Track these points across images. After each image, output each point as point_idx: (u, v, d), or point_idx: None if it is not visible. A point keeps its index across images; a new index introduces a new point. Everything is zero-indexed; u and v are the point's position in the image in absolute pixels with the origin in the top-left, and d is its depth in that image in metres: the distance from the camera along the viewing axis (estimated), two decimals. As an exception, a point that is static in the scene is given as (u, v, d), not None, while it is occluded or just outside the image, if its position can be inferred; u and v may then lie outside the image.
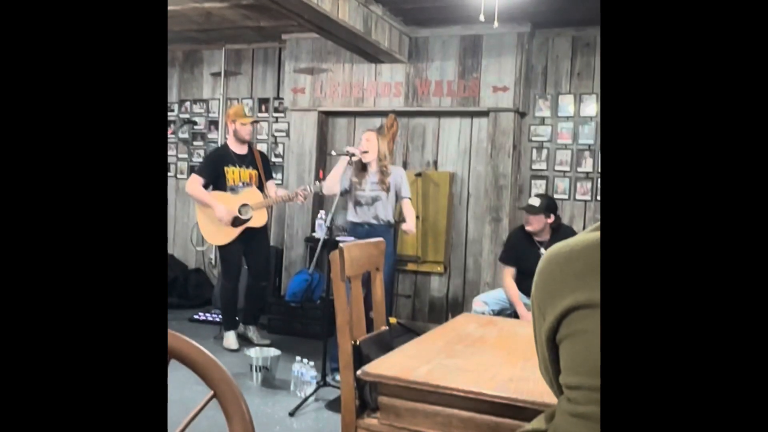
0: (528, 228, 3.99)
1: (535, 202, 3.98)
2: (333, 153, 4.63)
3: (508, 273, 4.07)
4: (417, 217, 5.16)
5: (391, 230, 4.02)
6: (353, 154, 3.88)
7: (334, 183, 3.99)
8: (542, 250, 3.94)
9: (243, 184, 4.53)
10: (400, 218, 4.98)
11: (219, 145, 6.00)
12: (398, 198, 4.06)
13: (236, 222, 4.43)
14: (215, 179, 4.50)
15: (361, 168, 3.96)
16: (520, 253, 4.06)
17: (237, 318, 4.69)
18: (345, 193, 4.00)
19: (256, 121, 4.68)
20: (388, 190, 3.96)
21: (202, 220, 4.51)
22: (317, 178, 4.28)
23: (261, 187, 4.60)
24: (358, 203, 3.98)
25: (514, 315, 4.02)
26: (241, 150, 4.58)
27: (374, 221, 3.95)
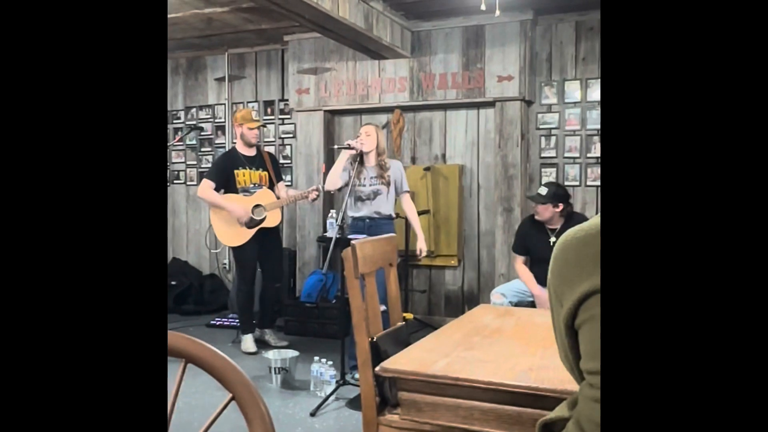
0: (537, 217, 3.99)
1: (542, 191, 3.95)
2: (335, 146, 4.66)
3: (519, 260, 4.15)
4: (428, 211, 5.16)
5: (391, 223, 4.01)
6: (356, 150, 3.88)
7: (335, 177, 4.00)
8: (553, 238, 3.93)
9: (254, 185, 4.55)
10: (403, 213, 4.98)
11: (227, 149, 6.03)
12: (398, 192, 4.04)
13: (250, 223, 4.45)
14: (226, 183, 4.52)
15: (360, 162, 3.95)
16: (530, 241, 4.07)
17: (254, 321, 4.71)
18: (344, 188, 3.99)
19: (263, 125, 4.69)
20: (388, 184, 3.95)
21: (216, 222, 4.53)
22: (322, 181, 4.28)
23: (272, 188, 4.62)
24: (359, 198, 3.97)
25: (532, 305, 4.01)
26: (249, 152, 4.61)
27: (375, 215, 3.95)
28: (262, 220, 4.46)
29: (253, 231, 4.46)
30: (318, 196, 4.47)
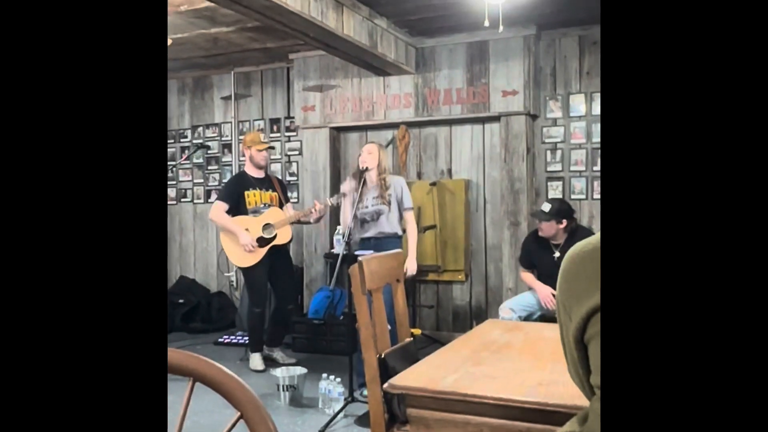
0: (541, 234, 3.98)
1: (546, 207, 3.93)
2: (330, 201, 4.53)
3: (523, 269, 4.22)
4: (434, 226, 5.15)
5: (398, 241, 3.99)
6: (339, 201, 4.07)
7: (346, 217, 4.07)
8: (557, 253, 3.91)
9: (264, 205, 4.58)
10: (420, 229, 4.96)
11: (234, 168, 6.09)
12: (400, 209, 4.01)
13: (261, 242, 4.46)
14: (236, 204, 4.56)
15: (363, 182, 3.95)
16: (535, 257, 4.07)
17: (263, 339, 4.71)
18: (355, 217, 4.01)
19: (271, 147, 4.72)
20: (389, 202, 3.94)
21: (227, 244, 4.54)
22: (333, 201, 4.31)
23: (281, 208, 4.65)
24: (363, 220, 3.97)
25: (541, 319, 3.98)
26: (258, 174, 4.67)
27: (380, 235, 3.94)
28: (272, 238, 4.48)
29: (265, 250, 4.47)
30: (321, 215, 4.48)
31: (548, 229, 3.91)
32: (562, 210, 3.92)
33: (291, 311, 4.82)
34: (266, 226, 4.49)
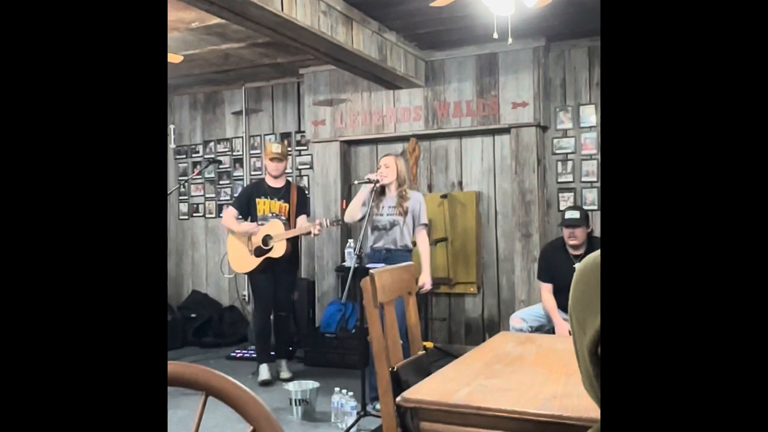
0: (573, 242, 3.93)
1: (575, 214, 3.93)
2: (355, 182, 4.69)
3: (545, 288, 4.07)
4: (445, 239, 5.14)
5: (409, 254, 3.97)
6: (375, 181, 3.88)
7: (355, 210, 4.00)
8: (577, 263, 3.88)
9: (272, 215, 4.61)
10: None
11: (245, 182, 6.14)
12: (415, 224, 3.98)
13: (258, 252, 4.53)
14: (247, 211, 4.65)
15: (381, 192, 3.95)
16: (555, 268, 4.00)
17: (272, 352, 4.71)
18: (362, 219, 3.98)
19: (277, 157, 4.67)
20: (405, 214, 3.92)
21: (231, 248, 4.68)
22: (340, 215, 4.30)
23: (289, 220, 4.67)
24: (375, 228, 3.95)
25: (553, 331, 3.95)
26: (276, 184, 4.70)
27: (392, 246, 3.92)
28: (269, 250, 4.52)
29: (260, 259, 4.51)
30: (320, 231, 4.48)
31: (582, 235, 3.92)
32: (588, 215, 3.99)
33: (284, 318, 4.79)
34: (266, 237, 4.54)
